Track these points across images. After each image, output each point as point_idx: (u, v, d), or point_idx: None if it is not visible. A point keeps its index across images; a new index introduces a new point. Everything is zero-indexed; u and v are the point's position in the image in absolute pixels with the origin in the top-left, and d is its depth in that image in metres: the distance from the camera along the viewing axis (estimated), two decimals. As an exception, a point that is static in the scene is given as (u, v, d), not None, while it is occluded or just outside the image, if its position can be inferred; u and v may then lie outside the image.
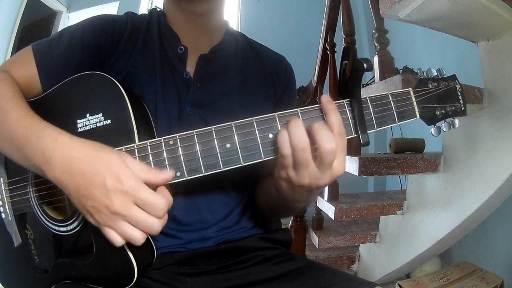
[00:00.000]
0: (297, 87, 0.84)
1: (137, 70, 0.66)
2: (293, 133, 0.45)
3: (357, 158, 1.42)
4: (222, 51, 0.73)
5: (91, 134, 0.53)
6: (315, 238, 1.78)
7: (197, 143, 0.49)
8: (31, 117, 0.52)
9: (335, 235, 1.76)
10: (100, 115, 0.53)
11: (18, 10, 2.80)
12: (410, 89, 0.53)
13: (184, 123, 0.65)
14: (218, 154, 0.49)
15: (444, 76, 0.56)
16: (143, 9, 3.27)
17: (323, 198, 1.69)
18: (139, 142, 0.51)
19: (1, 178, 0.66)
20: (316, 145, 0.45)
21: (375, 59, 1.59)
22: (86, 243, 0.56)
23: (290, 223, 1.81)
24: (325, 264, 0.70)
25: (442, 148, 1.49)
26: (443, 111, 0.54)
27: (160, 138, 0.50)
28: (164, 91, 0.66)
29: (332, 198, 1.67)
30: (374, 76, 1.70)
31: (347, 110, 0.51)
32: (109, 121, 0.53)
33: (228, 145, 0.49)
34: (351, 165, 1.46)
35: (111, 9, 3.13)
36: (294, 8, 3.46)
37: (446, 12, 1.09)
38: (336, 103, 0.50)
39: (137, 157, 0.50)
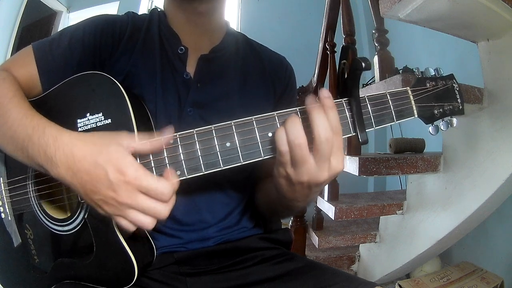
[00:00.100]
0: (297, 87, 0.84)
1: (137, 70, 0.66)
2: (289, 129, 0.45)
3: (357, 158, 1.42)
4: (222, 52, 0.73)
5: (91, 134, 0.53)
6: (315, 238, 1.78)
7: (197, 142, 0.49)
8: (32, 116, 0.53)
9: (335, 235, 1.76)
10: (101, 114, 0.54)
11: (18, 10, 2.81)
12: (408, 88, 0.54)
13: (184, 123, 0.65)
14: (218, 153, 0.49)
15: (442, 75, 0.56)
16: (143, 9, 3.27)
17: (323, 198, 1.69)
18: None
19: (1, 178, 0.66)
20: (312, 132, 0.46)
21: (375, 59, 1.59)
22: (86, 243, 0.56)
23: (290, 223, 1.81)
24: (325, 264, 0.70)
25: (442, 148, 1.48)
26: (441, 109, 0.55)
27: (159, 138, 0.50)
28: (164, 91, 0.66)
29: (332, 198, 1.67)
30: (374, 76, 1.70)
31: (346, 109, 0.51)
32: (109, 121, 0.53)
33: (228, 144, 0.49)
34: (351, 165, 1.46)
35: (111, 9, 3.13)
36: (294, 8, 3.46)
37: (446, 12, 1.09)
38: (334, 102, 0.50)
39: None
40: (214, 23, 0.72)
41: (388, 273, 1.71)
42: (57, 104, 0.59)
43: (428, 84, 0.54)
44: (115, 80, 0.55)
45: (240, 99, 0.72)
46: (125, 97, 0.54)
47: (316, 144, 0.46)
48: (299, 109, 0.50)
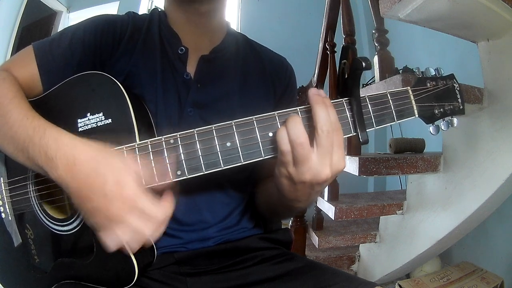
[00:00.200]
0: (297, 87, 0.84)
1: (137, 70, 0.66)
2: (291, 129, 0.45)
3: (357, 158, 1.42)
4: (222, 52, 0.73)
5: (92, 134, 0.54)
6: (315, 238, 1.78)
7: (197, 142, 0.49)
8: (33, 117, 0.53)
9: (335, 235, 1.76)
10: (101, 114, 0.54)
11: (18, 10, 2.81)
12: (409, 88, 0.54)
13: (184, 124, 0.65)
14: (219, 152, 0.49)
15: (442, 75, 0.56)
16: (143, 9, 3.27)
17: (323, 198, 1.69)
18: (139, 141, 0.51)
19: (1, 178, 0.66)
20: (315, 125, 0.46)
21: (375, 59, 1.59)
22: (86, 243, 0.56)
23: (290, 223, 1.81)
24: (325, 264, 0.70)
25: (442, 148, 1.49)
26: (441, 109, 0.55)
27: (160, 137, 0.50)
28: (165, 92, 0.66)
29: (332, 198, 1.67)
30: (374, 76, 1.70)
31: (346, 109, 0.51)
32: (109, 121, 0.53)
33: (228, 144, 0.49)
34: (351, 165, 1.46)
35: (111, 9, 3.13)
36: (294, 8, 3.46)
37: (446, 12, 1.09)
38: (335, 102, 0.50)
39: (138, 156, 0.50)
40: (215, 24, 0.72)
41: (388, 273, 1.71)
42: (57, 104, 0.59)
43: (428, 84, 0.54)
44: (115, 80, 0.55)
45: (240, 100, 0.72)
46: (125, 97, 0.54)
47: (318, 138, 0.46)
48: (299, 108, 0.50)
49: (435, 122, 0.55)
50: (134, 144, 0.51)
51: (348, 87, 0.50)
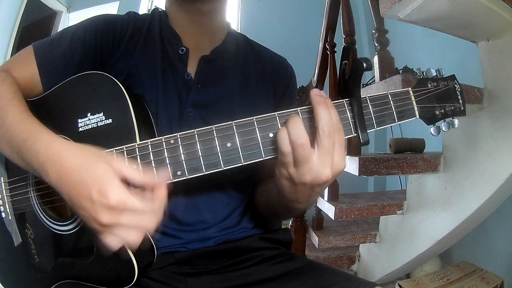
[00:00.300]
0: (297, 87, 0.84)
1: (138, 71, 0.66)
2: (292, 130, 0.45)
3: (357, 158, 1.42)
4: (223, 52, 0.73)
5: (92, 134, 0.54)
6: (315, 238, 1.78)
7: (198, 142, 0.49)
8: (28, 120, 0.52)
9: (335, 235, 1.76)
10: (101, 114, 0.54)
11: (18, 10, 2.80)
12: (410, 88, 0.54)
13: (184, 124, 0.65)
14: (219, 153, 0.49)
15: (443, 76, 0.56)
16: (143, 9, 3.27)
17: (323, 198, 1.69)
18: (140, 141, 0.51)
19: (1, 178, 0.66)
20: (316, 125, 0.46)
21: (375, 59, 1.59)
22: (86, 243, 0.56)
23: (290, 223, 1.81)
24: (325, 264, 0.70)
25: (442, 148, 1.49)
26: (442, 110, 0.55)
27: (161, 138, 0.50)
28: (165, 92, 0.66)
29: (332, 198, 1.67)
30: (374, 76, 1.70)
31: (347, 110, 0.51)
32: (110, 121, 0.53)
33: (228, 144, 0.49)
34: (351, 165, 1.46)
35: (111, 9, 3.12)
36: (294, 8, 3.46)
37: (446, 12, 1.09)
38: (335, 102, 0.50)
39: (138, 156, 0.50)
40: (216, 24, 0.72)
41: (388, 273, 1.71)
42: (58, 104, 0.59)
43: (429, 85, 0.54)
44: (116, 80, 0.55)
45: (241, 100, 0.72)
46: (126, 97, 0.54)
47: (319, 139, 0.46)
48: (300, 109, 0.50)
49: (436, 123, 0.55)
50: (134, 144, 0.51)
51: (348, 88, 0.50)
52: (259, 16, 3.43)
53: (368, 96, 0.52)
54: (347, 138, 0.51)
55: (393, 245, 1.69)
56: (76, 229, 0.57)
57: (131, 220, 0.44)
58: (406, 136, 1.82)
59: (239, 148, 0.49)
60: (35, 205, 0.62)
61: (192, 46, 0.69)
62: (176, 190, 0.64)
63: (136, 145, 0.50)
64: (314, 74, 1.94)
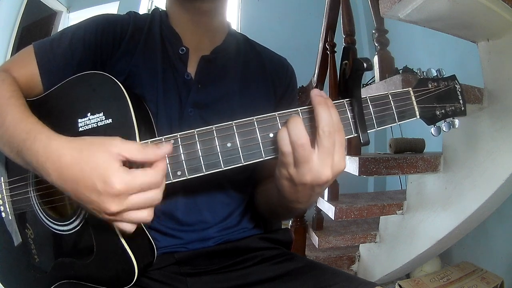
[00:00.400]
0: (298, 87, 0.84)
1: (138, 70, 0.66)
2: (292, 130, 0.45)
3: (357, 158, 1.42)
4: (223, 52, 0.73)
5: (92, 134, 0.53)
6: (315, 238, 1.78)
7: (198, 142, 0.49)
8: (27, 120, 0.52)
9: (335, 235, 1.76)
10: (101, 114, 0.54)
11: (18, 10, 2.80)
12: (410, 89, 0.54)
13: (184, 124, 0.65)
14: (219, 153, 0.49)
15: (443, 76, 0.56)
16: (143, 9, 3.27)
17: (323, 198, 1.69)
18: (140, 141, 0.51)
19: (2, 177, 0.66)
20: (317, 125, 0.46)
21: (375, 59, 1.59)
22: (86, 243, 0.56)
23: (290, 223, 1.81)
24: (325, 264, 0.70)
25: (442, 148, 1.49)
26: (443, 111, 0.55)
27: (161, 137, 0.50)
28: (165, 92, 0.66)
29: (332, 198, 1.67)
30: (374, 76, 1.70)
31: (347, 110, 0.51)
32: (110, 120, 0.53)
33: (229, 145, 0.49)
34: (351, 165, 1.46)
35: (111, 9, 3.12)
36: (294, 8, 3.46)
37: (446, 12, 1.09)
38: (336, 102, 0.50)
39: None
40: (216, 24, 0.72)
41: (388, 273, 1.71)
42: (58, 103, 0.59)
43: (430, 85, 0.54)
44: (116, 80, 0.55)
45: (241, 100, 0.72)
46: (126, 97, 0.53)
47: (319, 139, 0.46)
48: (300, 109, 0.50)
49: (437, 123, 0.55)
50: (134, 144, 0.50)
51: (349, 88, 0.50)
52: (259, 16, 3.43)
53: (369, 96, 0.52)
54: (347, 138, 0.50)
55: (393, 245, 1.69)
56: (76, 229, 0.57)
57: (139, 200, 0.45)
58: (406, 136, 1.82)
59: (239, 148, 0.49)
60: (35, 205, 0.62)
61: (192, 46, 0.69)
62: (176, 190, 0.64)
63: (136, 145, 0.50)
64: (314, 74, 1.94)
